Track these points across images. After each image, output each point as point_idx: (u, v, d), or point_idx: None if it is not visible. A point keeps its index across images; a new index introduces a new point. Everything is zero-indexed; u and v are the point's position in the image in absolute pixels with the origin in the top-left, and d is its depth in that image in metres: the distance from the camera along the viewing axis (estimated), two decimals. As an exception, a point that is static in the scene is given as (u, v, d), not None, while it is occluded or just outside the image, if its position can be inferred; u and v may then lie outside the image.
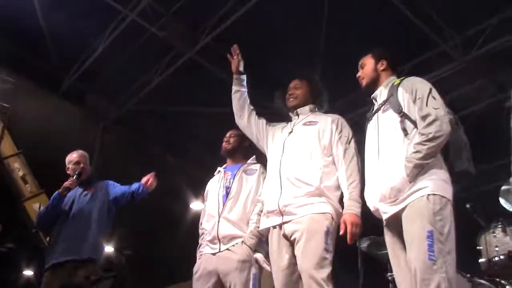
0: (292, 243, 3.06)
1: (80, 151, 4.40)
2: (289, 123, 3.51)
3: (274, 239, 3.14)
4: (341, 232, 2.93)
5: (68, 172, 4.27)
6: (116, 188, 4.29)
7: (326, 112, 3.49)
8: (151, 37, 6.31)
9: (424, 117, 2.69)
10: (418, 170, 2.63)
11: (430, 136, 2.62)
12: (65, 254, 3.92)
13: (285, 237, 3.09)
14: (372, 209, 2.88)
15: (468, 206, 4.11)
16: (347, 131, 3.27)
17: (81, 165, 4.28)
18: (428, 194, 2.59)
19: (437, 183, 2.63)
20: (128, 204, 4.28)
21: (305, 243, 2.96)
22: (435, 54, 6.15)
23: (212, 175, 4.12)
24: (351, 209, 2.96)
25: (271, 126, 3.58)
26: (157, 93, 7.16)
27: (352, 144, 3.21)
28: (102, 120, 7.57)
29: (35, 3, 6.27)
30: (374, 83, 3.08)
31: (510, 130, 3.29)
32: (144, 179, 4.17)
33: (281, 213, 3.10)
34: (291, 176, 3.16)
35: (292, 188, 3.12)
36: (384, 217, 2.78)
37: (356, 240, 4.41)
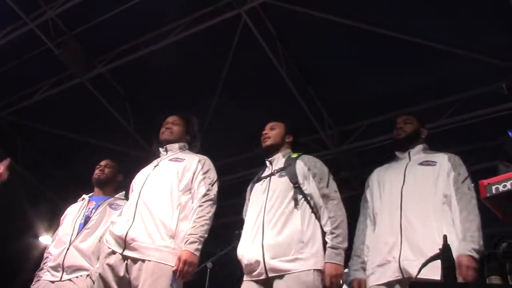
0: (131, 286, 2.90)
1: None
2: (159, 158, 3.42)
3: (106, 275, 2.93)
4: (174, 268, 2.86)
5: None
6: None
7: (197, 152, 3.46)
8: (46, 52, 6.10)
9: (326, 196, 3.00)
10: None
11: (340, 219, 2.95)
12: None
13: (122, 277, 2.89)
14: (252, 262, 2.89)
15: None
16: (213, 174, 3.25)
17: None
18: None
19: None
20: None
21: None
22: (312, 139, 6.55)
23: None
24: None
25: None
26: (35, 109, 6.83)
27: (215, 187, 3.20)
28: (-34, 124, 7.01)
29: None
30: (274, 148, 3.30)
31: None
32: None
33: (125, 244, 2.95)
34: (146, 210, 3.06)
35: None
36: (279, 273, 2.81)
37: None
